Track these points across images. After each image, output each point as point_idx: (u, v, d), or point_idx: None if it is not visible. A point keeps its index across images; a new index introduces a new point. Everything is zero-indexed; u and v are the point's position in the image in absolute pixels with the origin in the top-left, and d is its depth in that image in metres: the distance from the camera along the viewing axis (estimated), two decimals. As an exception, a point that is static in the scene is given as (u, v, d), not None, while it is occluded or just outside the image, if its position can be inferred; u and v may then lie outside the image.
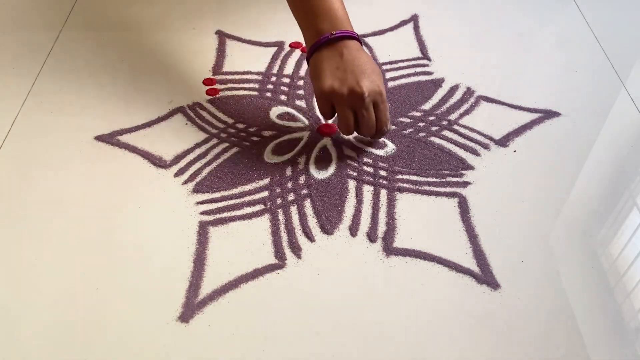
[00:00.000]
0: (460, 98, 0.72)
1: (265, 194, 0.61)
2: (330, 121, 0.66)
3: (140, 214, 0.58)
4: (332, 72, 0.59)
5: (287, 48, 0.79)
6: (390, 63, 0.77)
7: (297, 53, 0.78)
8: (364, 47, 0.63)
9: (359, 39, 0.62)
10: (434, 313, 0.51)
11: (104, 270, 0.54)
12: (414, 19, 0.85)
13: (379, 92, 0.59)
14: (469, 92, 0.73)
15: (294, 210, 0.59)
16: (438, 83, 0.74)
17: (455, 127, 0.69)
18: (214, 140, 0.66)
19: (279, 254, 0.55)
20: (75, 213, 0.58)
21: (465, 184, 0.62)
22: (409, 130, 0.68)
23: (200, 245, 0.56)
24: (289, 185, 0.61)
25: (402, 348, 0.49)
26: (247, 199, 0.60)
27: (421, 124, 0.69)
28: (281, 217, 0.59)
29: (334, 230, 0.58)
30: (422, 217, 0.59)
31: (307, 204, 0.60)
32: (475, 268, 0.55)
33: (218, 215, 0.59)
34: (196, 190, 0.61)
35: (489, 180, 0.63)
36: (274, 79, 0.74)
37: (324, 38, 0.60)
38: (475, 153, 0.66)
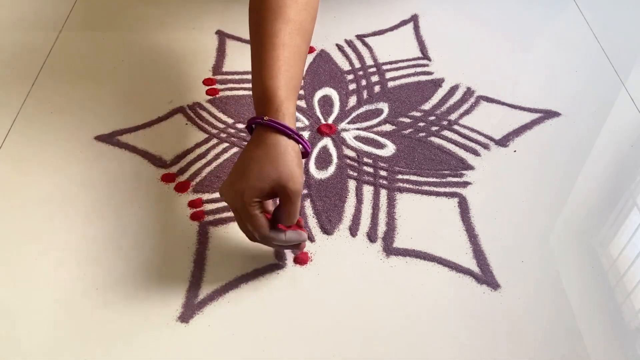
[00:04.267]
0: (460, 98, 0.72)
1: (265, 194, 0.60)
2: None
3: (140, 214, 0.58)
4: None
5: (287, 48, 0.79)
6: (390, 63, 0.77)
7: (297, 53, 0.78)
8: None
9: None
10: (434, 313, 0.51)
11: (104, 270, 0.54)
12: (414, 19, 0.85)
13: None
14: (469, 92, 0.73)
15: (294, 210, 0.59)
16: (438, 83, 0.74)
17: (455, 127, 0.69)
18: (214, 140, 0.66)
19: (279, 254, 0.55)
20: (75, 213, 0.58)
21: (465, 184, 0.62)
22: (409, 130, 0.68)
23: (200, 245, 0.56)
24: (289, 185, 0.61)
25: (402, 348, 0.49)
26: (247, 199, 0.60)
27: (421, 124, 0.69)
28: (281, 217, 0.58)
29: (334, 231, 0.58)
30: (422, 217, 0.59)
31: (307, 204, 0.60)
32: (475, 268, 0.55)
33: (218, 215, 0.59)
34: (196, 190, 0.61)
35: (489, 180, 0.63)
36: (274, 79, 0.74)
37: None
38: (475, 153, 0.66)
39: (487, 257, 0.56)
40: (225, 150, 0.65)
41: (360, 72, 0.75)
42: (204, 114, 0.69)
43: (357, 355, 0.49)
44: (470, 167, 0.64)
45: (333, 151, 0.65)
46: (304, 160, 0.60)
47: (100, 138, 0.66)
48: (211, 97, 0.72)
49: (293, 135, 0.49)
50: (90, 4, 0.86)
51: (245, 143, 0.66)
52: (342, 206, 0.60)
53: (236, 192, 0.48)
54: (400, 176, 0.63)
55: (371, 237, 0.57)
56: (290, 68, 0.52)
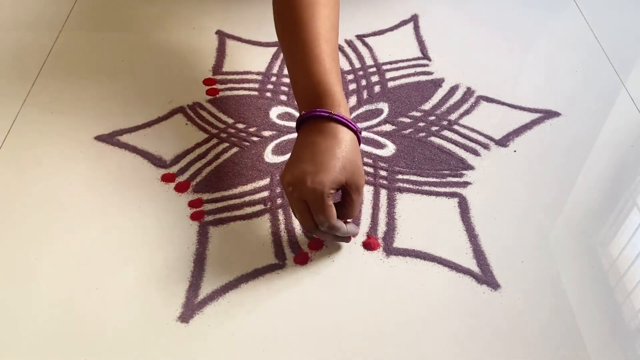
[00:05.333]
0: (460, 98, 0.72)
1: (265, 194, 0.61)
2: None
3: (140, 214, 0.58)
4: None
5: (287, 48, 0.79)
6: (390, 63, 0.77)
7: (297, 53, 0.78)
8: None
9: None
10: (434, 313, 0.51)
11: (104, 270, 0.54)
12: (414, 19, 0.85)
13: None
14: (469, 92, 0.73)
15: (294, 210, 0.59)
16: (438, 83, 0.74)
17: (455, 127, 0.69)
18: (214, 140, 0.66)
19: (279, 254, 0.55)
20: (75, 213, 0.58)
21: (465, 184, 0.62)
22: (409, 130, 0.68)
23: (200, 245, 0.56)
24: (289, 185, 0.61)
25: (402, 348, 0.49)
26: (247, 199, 0.60)
27: (421, 124, 0.69)
28: (281, 217, 0.59)
29: (334, 230, 0.58)
30: (422, 217, 0.59)
31: (307, 204, 0.60)
32: (475, 268, 0.55)
33: (218, 215, 0.59)
34: (196, 190, 0.61)
35: (489, 180, 0.63)
36: (274, 79, 0.74)
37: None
38: (475, 153, 0.66)
39: (487, 257, 0.56)
40: (225, 150, 0.65)
41: (360, 72, 0.75)
42: (204, 114, 0.69)
43: (357, 355, 0.49)
44: (470, 167, 0.64)
45: (333, 151, 0.65)
46: None
47: (100, 138, 0.66)
48: (211, 97, 0.72)
49: (357, 130, 0.53)
50: (90, 4, 0.86)
51: (245, 143, 0.66)
52: (342, 206, 0.60)
53: (317, 182, 0.49)
54: (400, 176, 0.63)
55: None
56: (334, 63, 0.55)
